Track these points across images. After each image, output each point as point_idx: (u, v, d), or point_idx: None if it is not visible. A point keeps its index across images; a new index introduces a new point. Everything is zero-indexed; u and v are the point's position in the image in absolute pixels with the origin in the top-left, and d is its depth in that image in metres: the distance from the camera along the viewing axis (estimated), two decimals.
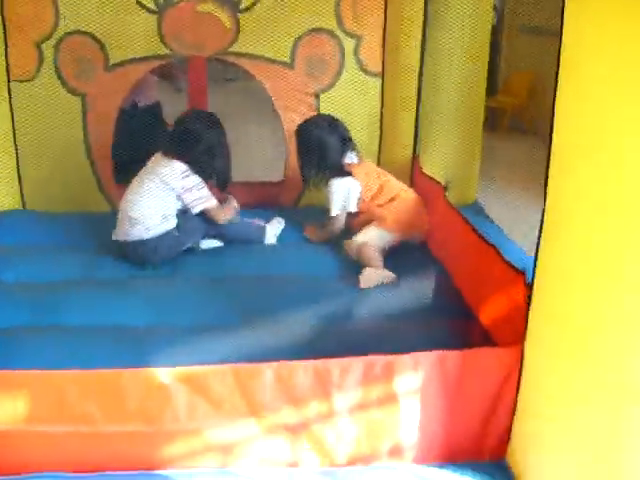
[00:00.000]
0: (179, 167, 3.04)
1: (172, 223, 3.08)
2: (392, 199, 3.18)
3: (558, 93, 1.70)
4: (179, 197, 3.06)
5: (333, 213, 3.23)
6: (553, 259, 1.76)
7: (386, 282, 2.84)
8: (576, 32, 1.63)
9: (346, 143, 3.28)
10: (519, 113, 7.61)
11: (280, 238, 3.36)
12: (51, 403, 1.81)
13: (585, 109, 1.61)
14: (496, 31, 7.80)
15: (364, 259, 2.95)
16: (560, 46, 1.69)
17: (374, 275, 2.85)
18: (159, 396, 1.83)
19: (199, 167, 3.07)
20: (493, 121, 7.43)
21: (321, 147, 3.21)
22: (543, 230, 1.80)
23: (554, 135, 1.72)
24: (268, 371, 1.86)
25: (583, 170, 1.62)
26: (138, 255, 3.04)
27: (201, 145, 3.07)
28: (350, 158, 3.28)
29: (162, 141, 3.20)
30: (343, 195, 3.20)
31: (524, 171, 5.90)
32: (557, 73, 1.69)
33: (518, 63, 7.76)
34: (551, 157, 1.74)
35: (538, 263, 1.82)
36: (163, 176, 3.02)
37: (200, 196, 3.09)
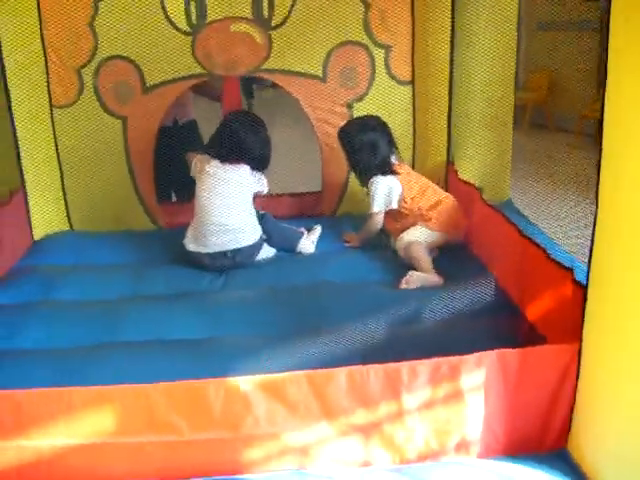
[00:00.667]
0: (245, 169, 3.24)
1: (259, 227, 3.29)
2: (437, 203, 3.28)
3: (608, 91, 1.76)
4: (254, 194, 3.28)
5: (374, 210, 3.31)
6: (608, 256, 1.85)
7: (428, 285, 2.94)
8: (625, 29, 1.69)
9: (392, 143, 3.41)
10: (540, 109, 7.68)
11: (321, 246, 3.47)
12: (140, 415, 1.92)
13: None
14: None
15: (413, 259, 3.06)
16: (607, 44, 1.76)
17: (416, 278, 2.95)
18: (241, 403, 1.94)
19: (257, 163, 3.29)
20: (515, 117, 7.48)
21: (373, 146, 3.31)
22: (597, 226, 1.87)
23: (605, 130, 1.79)
24: (341, 375, 1.96)
25: (638, 164, 1.69)
26: (233, 262, 3.21)
27: (257, 144, 3.26)
28: (393, 159, 3.40)
29: (214, 148, 3.30)
30: (384, 192, 3.29)
31: (549, 166, 6.00)
32: (606, 72, 1.76)
33: (537, 59, 7.84)
34: (603, 153, 1.81)
35: (593, 260, 1.91)
36: (240, 182, 3.20)
37: (265, 183, 3.35)
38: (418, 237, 3.17)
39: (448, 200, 3.32)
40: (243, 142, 3.21)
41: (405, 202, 3.29)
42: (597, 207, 1.86)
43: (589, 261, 1.92)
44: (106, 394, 1.93)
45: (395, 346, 2.32)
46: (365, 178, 3.37)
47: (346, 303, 2.77)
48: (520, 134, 7.18)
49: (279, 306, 2.82)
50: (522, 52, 8.11)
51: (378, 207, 3.31)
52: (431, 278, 2.97)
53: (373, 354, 2.16)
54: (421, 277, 2.96)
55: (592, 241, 1.90)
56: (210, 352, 2.51)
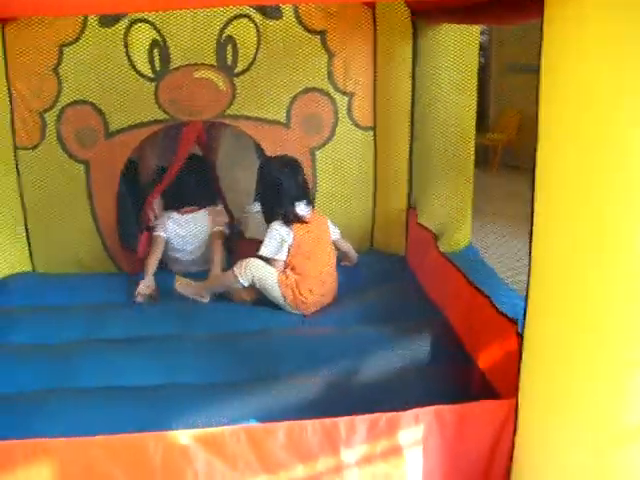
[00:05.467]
0: (203, 217, 3.78)
1: None
2: (311, 277, 3.22)
3: (540, 130, 1.82)
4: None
5: (262, 253, 3.21)
6: (541, 309, 1.88)
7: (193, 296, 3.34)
8: (555, 62, 1.75)
9: (302, 191, 3.32)
10: (510, 150, 7.77)
11: None
12: (79, 469, 1.92)
13: (567, 144, 1.72)
14: (485, 70, 8.03)
15: (233, 272, 3.25)
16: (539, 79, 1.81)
17: (187, 287, 3.36)
18: (181, 457, 1.94)
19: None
20: (485, 158, 7.56)
21: (279, 191, 3.24)
22: (531, 277, 1.90)
23: (537, 174, 1.82)
24: (280, 430, 1.97)
25: (568, 211, 1.71)
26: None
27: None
28: (301, 209, 3.29)
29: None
30: (277, 241, 3.20)
31: (517, 207, 6.06)
32: (537, 106, 1.81)
33: (507, 100, 7.95)
34: (535, 196, 1.83)
35: (527, 313, 1.93)
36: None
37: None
38: (263, 278, 3.20)
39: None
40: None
41: (288, 254, 3.22)
42: (530, 261, 1.89)
43: (524, 313, 1.94)
44: (44, 447, 1.92)
45: (342, 399, 2.34)
46: (268, 218, 3.29)
47: (296, 350, 2.79)
48: (490, 175, 7.28)
49: (232, 353, 2.84)
50: (493, 93, 8.27)
51: (266, 253, 3.21)
52: (199, 295, 3.34)
53: (315, 407, 2.17)
54: (196, 289, 3.35)
55: (527, 292, 1.92)
56: (158, 401, 2.51)
